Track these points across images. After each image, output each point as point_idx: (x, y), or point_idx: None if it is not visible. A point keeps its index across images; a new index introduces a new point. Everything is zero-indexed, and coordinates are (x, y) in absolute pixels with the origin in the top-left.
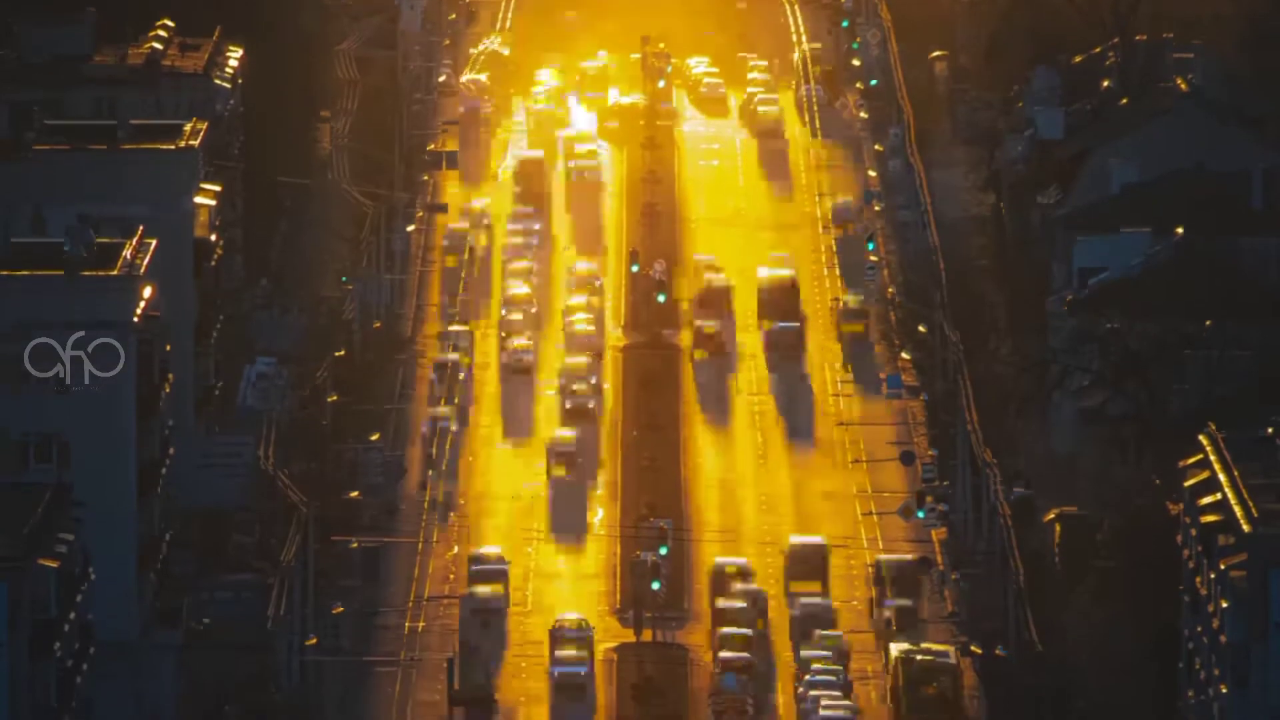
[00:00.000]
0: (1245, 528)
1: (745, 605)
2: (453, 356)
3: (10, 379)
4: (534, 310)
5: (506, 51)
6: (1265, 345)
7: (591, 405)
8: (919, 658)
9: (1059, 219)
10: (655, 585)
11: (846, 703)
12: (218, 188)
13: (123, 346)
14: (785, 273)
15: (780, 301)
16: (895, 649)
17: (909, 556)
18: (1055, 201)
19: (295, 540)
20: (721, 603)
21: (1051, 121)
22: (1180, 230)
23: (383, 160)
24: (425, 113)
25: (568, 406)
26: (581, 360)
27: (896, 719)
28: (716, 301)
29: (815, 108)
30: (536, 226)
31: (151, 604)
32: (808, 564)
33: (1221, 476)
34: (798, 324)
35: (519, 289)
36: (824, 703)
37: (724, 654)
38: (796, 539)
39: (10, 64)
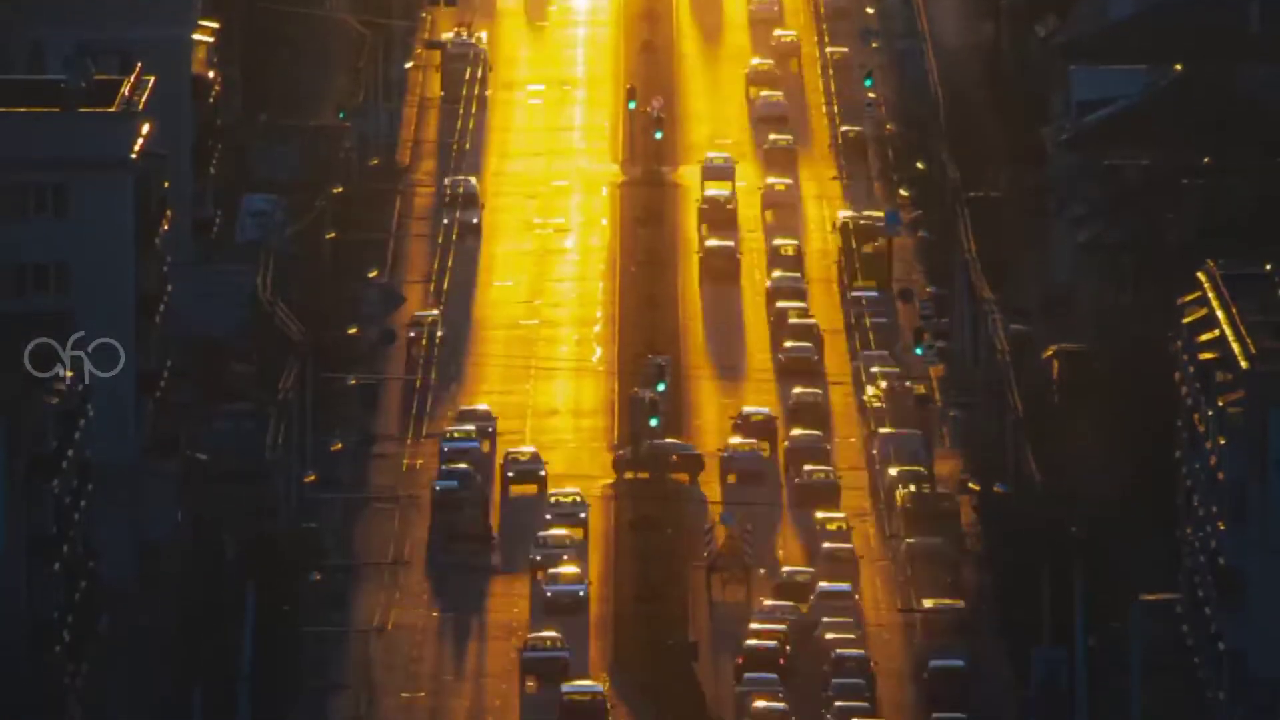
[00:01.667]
0: (1243, 365)
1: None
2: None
3: (8, 209)
4: None
5: None
6: (1264, 171)
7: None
8: (860, 222)
9: (1056, 48)
10: (653, 422)
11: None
12: (216, 25)
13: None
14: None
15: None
16: (841, 215)
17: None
18: (1052, 31)
19: (293, 372)
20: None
21: None
22: (1179, 67)
23: None
24: None
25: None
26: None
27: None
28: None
29: None
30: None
31: (150, 433)
32: None
33: (1219, 313)
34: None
35: None
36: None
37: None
38: None
39: None
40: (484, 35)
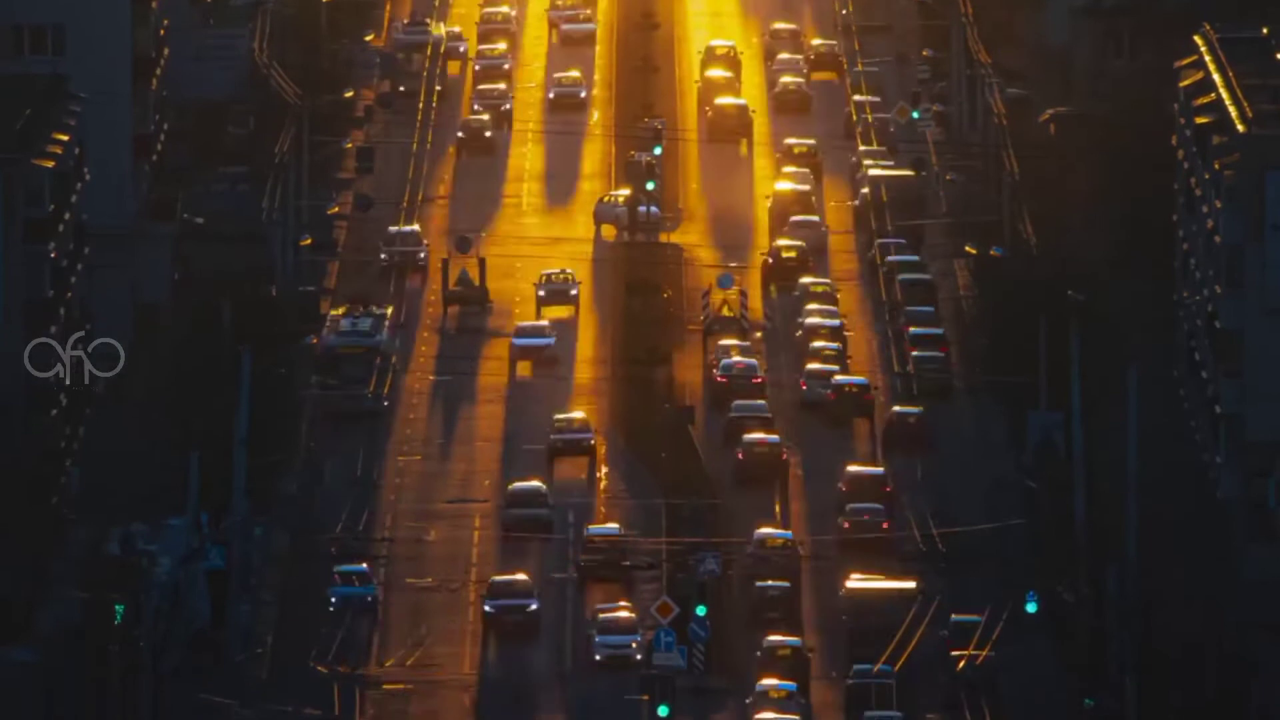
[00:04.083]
0: (1240, 128)
1: None
2: None
3: None
4: None
5: None
6: None
7: None
8: None
9: None
10: (650, 185)
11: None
12: None
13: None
14: None
15: None
16: None
17: None
18: None
19: (289, 135)
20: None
21: None
22: None
23: None
24: None
25: None
26: None
27: None
28: None
29: None
30: None
31: (146, 196)
32: None
33: (1216, 77)
34: None
35: None
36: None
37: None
38: None
39: None
40: None
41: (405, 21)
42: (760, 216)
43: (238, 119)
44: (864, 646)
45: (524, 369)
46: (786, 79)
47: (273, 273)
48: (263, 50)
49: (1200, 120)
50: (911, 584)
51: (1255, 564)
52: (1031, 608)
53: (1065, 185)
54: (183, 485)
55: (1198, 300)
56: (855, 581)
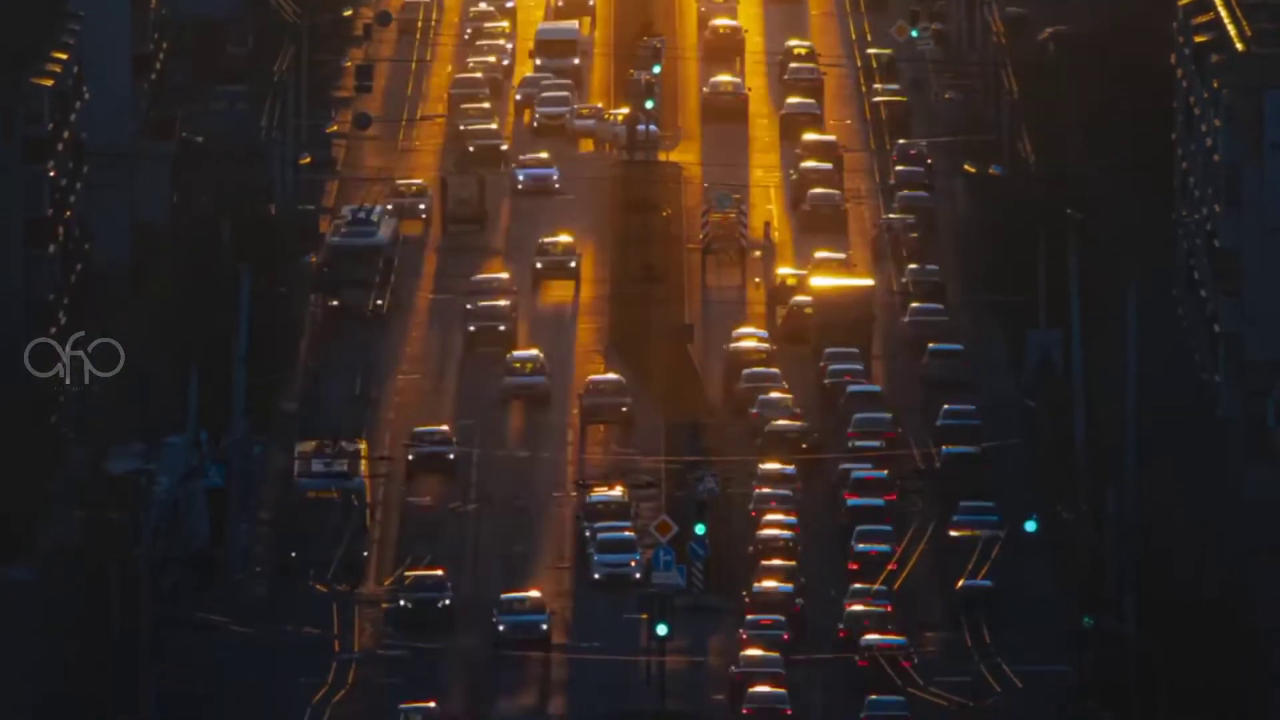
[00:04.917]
0: (1239, 47)
1: None
2: None
3: None
4: None
5: None
6: None
7: None
8: None
9: None
10: (649, 104)
11: None
12: None
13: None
14: None
15: None
16: None
17: None
18: None
19: (288, 54)
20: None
21: None
22: None
23: None
24: None
25: None
26: None
27: None
28: None
29: None
30: None
31: (145, 115)
32: None
33: None
34: None
35: None
36: None
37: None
38: None
39: None
40: None
41: (347, 219)
42: None
43: (237, 38)
44: (831, 337)
45: None
46: None
47: (272, 191)
48: None
49: (1199, 39)
50: (870, 281)
51: (1255, 484)
52: (1031, 527)
53: (1064, 104)
54: (182, 404)
55: (1197, 219)
56: (819, 280)
